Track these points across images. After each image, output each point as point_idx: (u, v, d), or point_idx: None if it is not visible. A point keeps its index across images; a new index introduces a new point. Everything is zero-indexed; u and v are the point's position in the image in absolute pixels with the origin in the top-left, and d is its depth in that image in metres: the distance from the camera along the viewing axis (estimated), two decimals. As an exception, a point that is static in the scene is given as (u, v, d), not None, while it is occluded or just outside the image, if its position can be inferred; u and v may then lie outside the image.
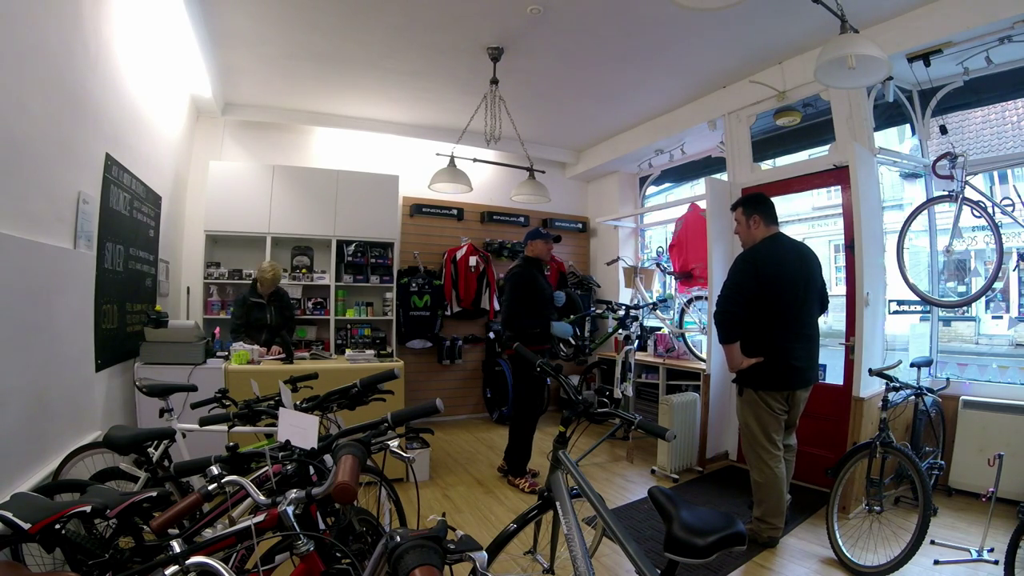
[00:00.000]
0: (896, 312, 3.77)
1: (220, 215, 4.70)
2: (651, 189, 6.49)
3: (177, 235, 4.64)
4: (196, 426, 2.15)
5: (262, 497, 1.17)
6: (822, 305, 2.91)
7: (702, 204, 4.78)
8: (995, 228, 3.18)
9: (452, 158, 4.27)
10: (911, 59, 3.29)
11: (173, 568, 0.98)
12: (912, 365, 3.31)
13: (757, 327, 2.74)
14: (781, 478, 2.73)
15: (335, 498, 1.03)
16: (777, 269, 2.72)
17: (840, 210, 3.90)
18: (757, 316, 2.72)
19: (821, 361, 3.12)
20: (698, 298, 4.96)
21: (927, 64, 3.27)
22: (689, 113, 4.90)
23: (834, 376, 3.73)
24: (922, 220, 3.64)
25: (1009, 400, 3.25)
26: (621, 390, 4.69)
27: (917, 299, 3.64)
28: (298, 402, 2.05)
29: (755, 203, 2.87)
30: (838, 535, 2.67)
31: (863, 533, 2.71)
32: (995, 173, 4.13)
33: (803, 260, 2.81)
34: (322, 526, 1.37)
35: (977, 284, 3.85)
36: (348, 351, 4.09)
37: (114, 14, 2.74)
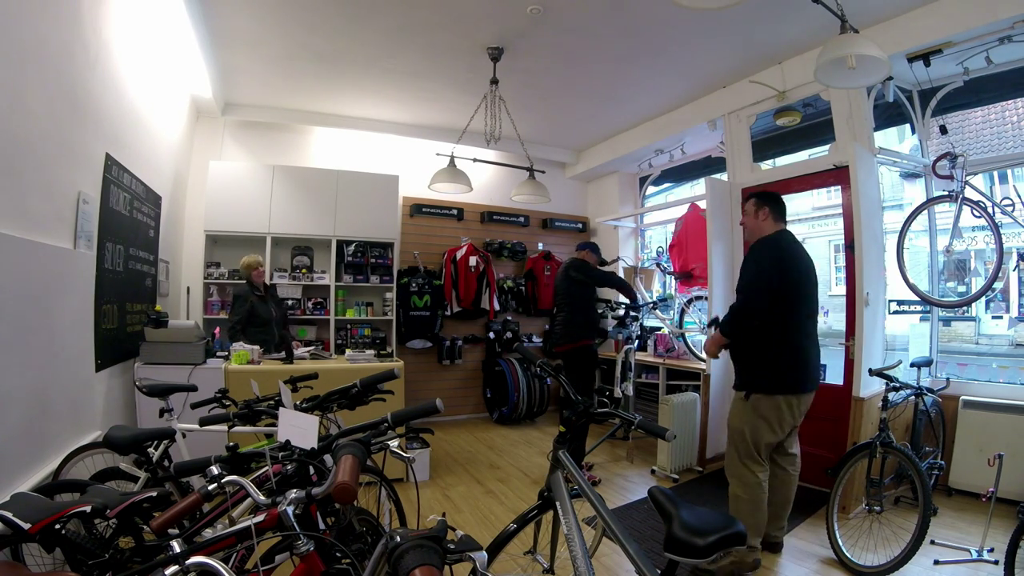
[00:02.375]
0: (896, 312, 3.77)
1: (220, 215, 4.70)
2: (651, 189, 6.49)
3: (177, 235, 4.64)
4: (196, 426, 2.15)
5: (262, 497, 1.17)
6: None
7: (702, 204, 4.78)
8: (995, 228, 3.17)
9: (452, 158, 4.27)
10: (911, 59, 3.29)
11: (173, 568, 0.99)
12: (912, 365, 3.31)
13: (775, 323, 2.53)
14: (765, 497, 2.59)
15: (335, 498, 1.03)
16: (797, 263, 2.60)
17: (840, 210, 3.90)
18: (776, 311, 2.52)
19: (821, 361, 3.01)
20: (698, 298, 4.95)
21: (927, 64, 3.27)
22: (689, 113, 4.90)
23: (834, 376, 3.73)
24: (922, 220, 3.64)
25: (1009, 400, 3.25)
26: (621, 390, 4.69)
27: (917, 299, 3.64)
28: (298, 402, 2.05)
29: (768, 197, 2.73)
30: (838, 535, 2.67)
31: (863, 533, 2.71)
32: (995, 173, 4.14)
33: (810, 260, 2.70)
34: (322, 526, 1.37)
35: (977, 284, 3.85)
36: (348, 351, 4.09)
37: (114, 14, 2.74)
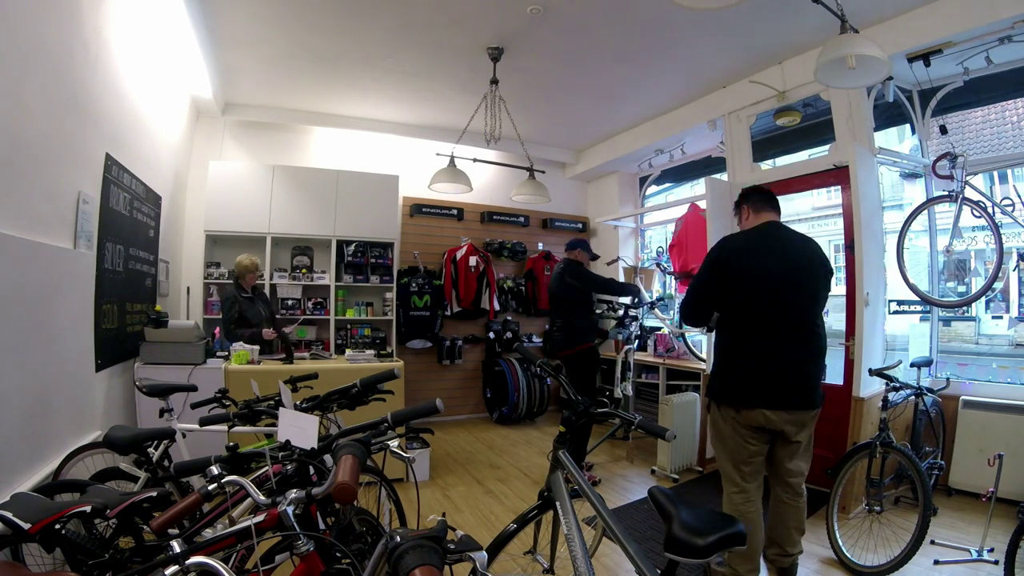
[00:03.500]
0: (896, 312, 3.76)
1: (220, 215, 4.70)
2: (651, 189, 6.49)
3: (177, 235, 4.63)
4: (196, 426, 2.15)
5: (262, 497, 1.17)
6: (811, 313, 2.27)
7: (702, 204, 4.77)
8: (995, 228, 3.17)
9: (452, 158, 4.27)
10: (911, 59, 3.29)
11: (173, 568, 0.99)
12: (912, 365, 3.31)
13: (721, 327, 2.34)
14: (752, 521, 2.17)
15: (335, 498, 1.03)
16: (753, 259, 2.23)
17: (840, 210, 3.90)
18: (725, 312, 2.32)
19: (804, 376, 2.26)
20: (698, 298, 4.94)
21: (927, 64, 3.27)
22: (689, 113, 4.89)
23: (834, 376, 3.73)
24: (922, 220, 3.64)
25: (1009, 400, 3.25)
26: (621, 390, 4.69)
27: (917, 299, 3.63)
28: (298, 402, 2.05)
29: (745, 195, 2.46)
30: (838, 535, 2.67)
31: (863, 533, 2.71)
32: (995, 173, 4.13)
33: (800, 252, 2.29)
34: (322, 526, 1.37)
35: (977, 284, 3.85)
36: (348, 351, 4.10)
37: (114, 14, 2.74)
